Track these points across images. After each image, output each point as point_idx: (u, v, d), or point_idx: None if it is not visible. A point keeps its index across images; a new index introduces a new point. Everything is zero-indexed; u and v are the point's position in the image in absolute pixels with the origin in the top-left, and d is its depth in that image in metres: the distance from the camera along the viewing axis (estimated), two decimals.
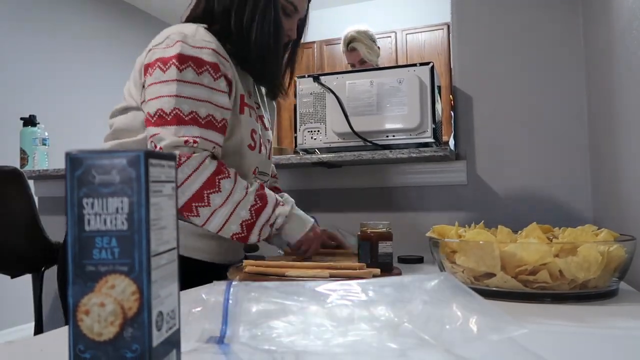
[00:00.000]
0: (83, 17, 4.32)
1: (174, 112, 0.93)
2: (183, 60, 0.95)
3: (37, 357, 0.54)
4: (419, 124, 1.47)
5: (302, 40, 1.21)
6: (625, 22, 1.01)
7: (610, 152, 1.21)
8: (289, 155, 1.61)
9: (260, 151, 1.12)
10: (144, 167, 0.37)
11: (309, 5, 1.17)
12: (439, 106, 1.56)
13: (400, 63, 4.48)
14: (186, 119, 0.93)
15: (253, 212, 0.98)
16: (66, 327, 0.37)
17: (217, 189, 0.94)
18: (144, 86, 1.00)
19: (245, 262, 0.97)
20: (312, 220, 1.08)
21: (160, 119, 0.93)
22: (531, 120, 1.54)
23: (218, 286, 0.53)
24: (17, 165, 2.00)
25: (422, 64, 1.51)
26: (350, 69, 2.44)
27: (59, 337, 0.60)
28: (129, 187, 0.37)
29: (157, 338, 0.38)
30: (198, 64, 0.95)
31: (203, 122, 0.95)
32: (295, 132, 1.63)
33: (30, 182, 1.92)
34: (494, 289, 0.78)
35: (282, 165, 1.61)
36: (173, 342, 0.42)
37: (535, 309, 0.72)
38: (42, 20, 3.96)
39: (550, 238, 0.86)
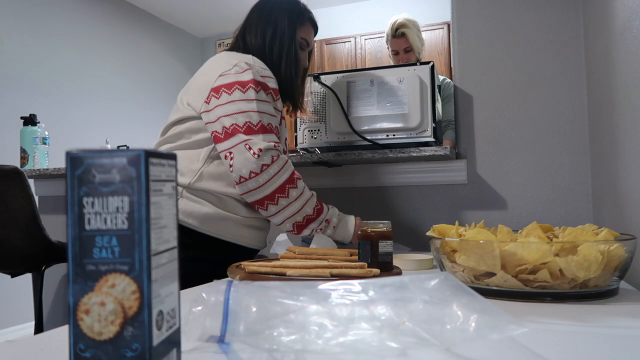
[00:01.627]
0: (84, 17, 4.32)
1: (260, 124, 1.20)
2: (257, 84, 1.22)
3: (38, 356, 0.54)
4: (419, 123, 1.47)
5: (309, 66, 1.49)
6: (625, 21, 1.01)
7: (610, 151, 1.21)
8: (290, 155, 1.61)
9: (285, 152, 1.35)
10: (144, 166, 0.37)
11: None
12: (439, 105, 1.56)
13: None
14: (267, 127, 1.21)
15: (315, 211, 1.25)
16: (66, 326, 0.37)
17: (295, 186, 1.21)
18: (208, 103, 1.23)
19: (244, 263, 0.97)
20: (352, 217, 1.32)
21: (249, 128, 1.18)
22: (531, 119, 1.54)
23: (218, 285, 0.53)
24: (18, 164, 2.00)
25: (422, 63, 1.51)
26: (392, 57, 2.36)
27: (59, 336, 0.60)
28: (130, 186, 0.37)
29: (158, 337, 0.38)
30: (265, 88, 1.24)
31: (274, 131, 1.23)
32: (296, 131, 1.63)
33: (31, 181, 1.92)
34: (494, 288, 0.78)
35: None
36: (173, 341, 0.42)
37: (536, 308, 0.72)
38: (43, 20, 3.96)
39: (551, 237, 0.86)
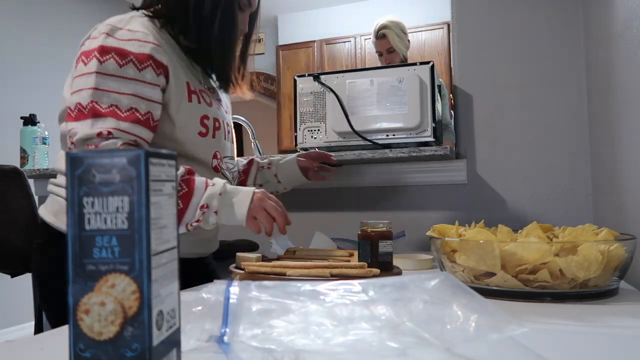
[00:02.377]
0: (83, 17, 4.31)
1: (90, 105, 0.92)
2: (105, 51, 0.93)
3: (37, 356, 0.54)
4: (419, 123, 1.47)
5: (253, 34, 1.21)
6: (625, 21, 1.01)
7: (610, 151, 1.21)
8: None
9: (214, 136, 1.10)
10: (144, 166, 0.37)
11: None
12: (439, 105, 1.56)
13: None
14: (103, 111, 0.92)
15: (179, 200, 0.93)
16: (66, 326, 0.37)
17: None
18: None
19: (243, 263, 0.97)
20: (250, 189, 1.00)
21: (80, 113, 0.92)
22: (531, 119, 1.54)
23: (218, 285, 0.53)
24: (17, 164, 2.00)
25: (422, 63, 1.51)
26: (378, 58, 2.45)
27: (59, 336, 0.60)
28: (130, 186, 0.37)
29: (158, 337, 0.38)
30: (121, 55, 0.94)
31: (123, 115, 0.93)
32: (296, 131, 1.63)
33: (31, 181, 1.92)
34: (494, 288, 0.78)
35: None
36: (173, 341, 0.42)
37: (536, 308, 0.72)
38: (43, 20, 3.96)
39: (551, 237, 0.86)
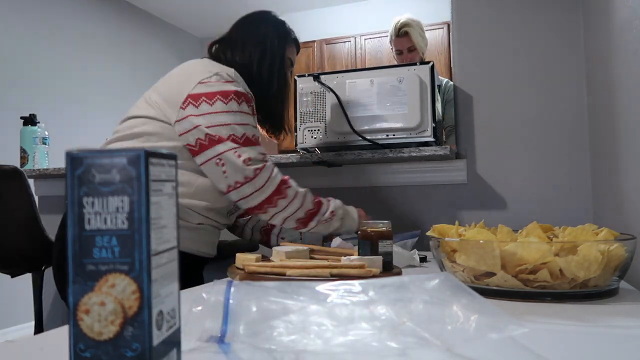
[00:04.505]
0: (83, 17, 4.32)
1: (245, 136, 1.17)
2: (239, 95, 1.18)
3: (38, 356, 0.54)
4: (419, 123, 1.47)
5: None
6: (625, 20, 1.00)
7: (610, 151, 1.21)
8: (289, 155, 1.61)
9: None
10: (144, 166, 0.37)
11: None
12: (439, 105, 1.56)
13: None
14: (252, 140, 1.19)
15: (315, 204, 1.24)
16: (66, 326, 0.37)
17: (289, 185, 1.20)
18: (184, 109, 1.17)
19: (242, 262, 0.97)
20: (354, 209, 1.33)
21: (234, 141, 1.15)
22: (531, 119, 1.54)
23: (218, 285, 0.53)
24: (17, 164, 1.99)
25: (422, 63, 1.51)
26: (396, 57, 2.36)
27: (59, 336, 0.60)
28: (130, 186, 0.37)
29: (158, 337, 0.38)
30: (247, 100, 1.21)
31: (259, 143, 1.21)
32: (296, 131, 1.63)
33: (31, 181, 1.92)
34: (494, 288, 0.78)
35: (282, 164, 1.61)
36: (173, 341, 0.42)
37: (536, 308, 0.72)
38: (42, 20, 3.96)
39: (551, 237, 0.85)
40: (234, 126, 1.16)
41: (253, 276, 0.89)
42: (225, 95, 1.16)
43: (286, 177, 1.21)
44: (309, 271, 0.87)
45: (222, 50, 1.33)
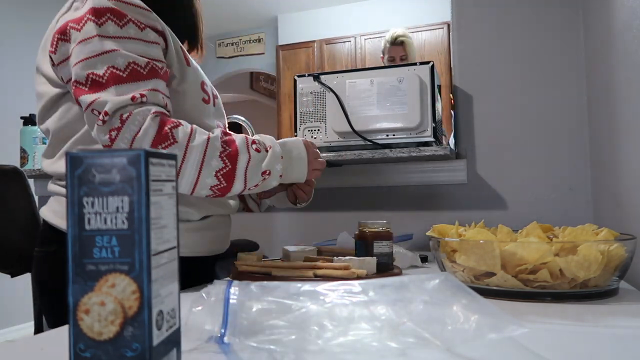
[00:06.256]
0: None
1: (109, 70, 0.80)
2: (99, 13, 0.82)
3: (38, 356, 0.54)
4: (419, 123, 1.47)
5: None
6: (625, 20, 1.01)
7: (610, 151, 1.21)
8: None
9: (215, 104, 1.02)
10: (144, 166, 0.37)
11: None
12: (439, 105, 1.56)
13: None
14: (124, 75, 0.81)
15: (226, 143, 0.86)
16: (66, 327, 0.37)
17: (172, 140, 0.80)
18: (54, 62, 0.88)
19: (238, 260, 0.97)
20: (299, 140, 0.99)
21: (95, 83, 0.80)
22: (531, 119, 1.54)
23: (218, 285, 0.53)
24: (17, 164, 1.99)
25: (422, 63, 1.51)
26: (387, 64, 2.54)
27: (59, 336, 0.60)
28: (130, 186, 0.37)
29: (158, 337, 0.38)
30: (118, 15, 0.83)
31: (145, 72, 0.83)
32: (295, 131, 1.62)
33: (31, 181, 1.92)
34: (494, 288, 0.78)
35: None
36: (173, 341, 0.42)
37: (536, 308, 0.72)
38: (42, 20, 3.96)
39: (551, 237, 0.85)
40: (90, 60, 0.82)
41: (241, 275, 0.90)
42: (77, 21, 0.85)
43: (168, 126, 0.82)
44: (293, 271, 0.88)
45: None
